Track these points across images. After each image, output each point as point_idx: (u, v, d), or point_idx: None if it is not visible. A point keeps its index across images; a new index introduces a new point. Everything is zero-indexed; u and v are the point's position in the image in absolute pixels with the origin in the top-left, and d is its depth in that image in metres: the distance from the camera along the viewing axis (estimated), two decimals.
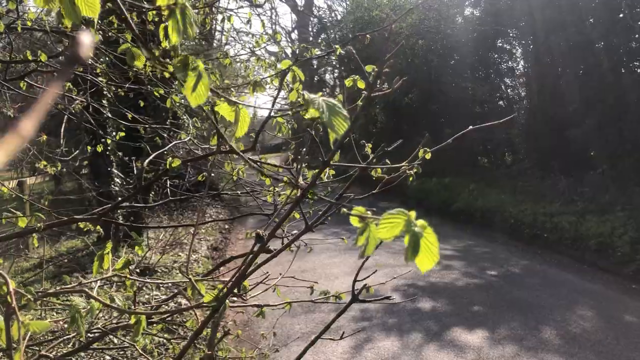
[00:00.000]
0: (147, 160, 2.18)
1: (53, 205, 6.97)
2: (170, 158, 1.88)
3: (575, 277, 7.47)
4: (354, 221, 0.93)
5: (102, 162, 7.56)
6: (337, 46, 2.24)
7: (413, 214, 0.86)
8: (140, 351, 1.60)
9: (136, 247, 1.51)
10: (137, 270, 6.32)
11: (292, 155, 3.51)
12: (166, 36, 1.17)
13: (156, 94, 3.39)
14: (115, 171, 7.77)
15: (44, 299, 2.95)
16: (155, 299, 5.39)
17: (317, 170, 1.21)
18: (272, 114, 1.81)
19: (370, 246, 0.92)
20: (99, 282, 1.33)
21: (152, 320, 1.66)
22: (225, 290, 1.08)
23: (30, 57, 2.46)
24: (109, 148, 6.52)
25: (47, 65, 2.77)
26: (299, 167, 1.16)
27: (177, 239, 8.63)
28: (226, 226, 12.16)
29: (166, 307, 4.21)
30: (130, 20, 0.89)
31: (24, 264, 6.90)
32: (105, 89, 4.15)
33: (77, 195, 9.29)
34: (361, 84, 1.85)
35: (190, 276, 1.14)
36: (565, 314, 5.91)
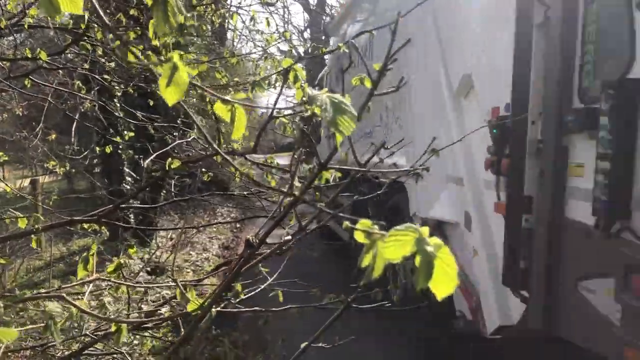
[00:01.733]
0: (148, 160, 2.14)
1: (65, 203, 7.00)
2: (170, 159, 1.84)
3: None
4: (359, 237, 0.77)
5: (114, 161, 7.54)
6: (340, 44, 2.19)
7: (425, 230, 0.71)
8: (129, 358, 1.56)
9: (130, 250, 1.46)
10: (148, 269, 6.32)
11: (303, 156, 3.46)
12: (155, 34, 1.11)
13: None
14: (127, 169, 7.75)
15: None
16: (164, 297, 5.38)
17: (314, 172, 1.15)
18: (276, 113, 1.74)
19: (378, 267, 0.75)
20: (90, 285, 1.29)
21: (147, 325, 1.62)
22: (213, 297, 1.03)
23: (29, 55, 2.42)
24: (120, 147, 6.51)
25: (50, 63, 2.73)
26: (293, 170, 1.10)
27: (187, 236, 8.61)
28: (238, 225, 12.11)
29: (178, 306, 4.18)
30: (102, 13, 0.84)
31: (36, 262, 6.93)
32: (114, 87, 4.12)
33: (89, 194, 9.33)
34: (368, 83, 1.75)
35: (178, 281, 1.09)
36: None
